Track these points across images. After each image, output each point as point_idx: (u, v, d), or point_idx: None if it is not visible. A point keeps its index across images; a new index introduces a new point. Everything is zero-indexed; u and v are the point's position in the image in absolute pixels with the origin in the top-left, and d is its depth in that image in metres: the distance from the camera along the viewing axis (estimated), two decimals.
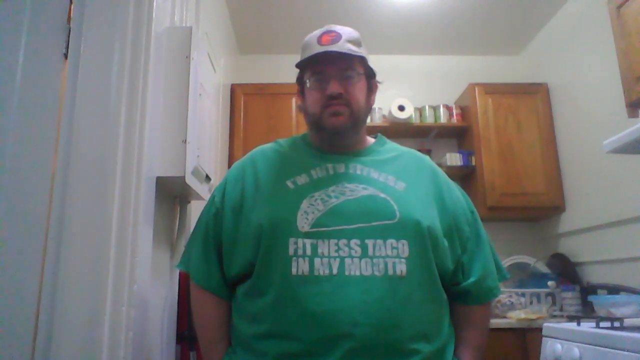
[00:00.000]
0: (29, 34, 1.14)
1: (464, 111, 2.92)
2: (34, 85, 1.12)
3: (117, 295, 1.02)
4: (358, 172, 1.01)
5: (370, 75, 1.07)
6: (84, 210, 1.03)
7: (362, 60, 1.03)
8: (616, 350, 1.29)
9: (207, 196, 1.49)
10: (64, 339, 0.97)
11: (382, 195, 0.96)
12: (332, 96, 0.98)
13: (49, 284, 1.00)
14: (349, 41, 1.00)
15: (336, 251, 0.89)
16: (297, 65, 1.05)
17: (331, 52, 0.97)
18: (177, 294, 1.46)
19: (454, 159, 2.77)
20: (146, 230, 1.14)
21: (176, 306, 1.45)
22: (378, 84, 1.11)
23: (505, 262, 2.66)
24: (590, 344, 1.41)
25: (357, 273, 0.88)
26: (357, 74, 1.02)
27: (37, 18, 1.15)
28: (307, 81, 1.03)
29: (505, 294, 2.36)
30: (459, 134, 3.02)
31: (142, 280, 1.11)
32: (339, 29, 1.03)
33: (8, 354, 0.98)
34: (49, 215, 1.04)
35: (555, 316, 2.28)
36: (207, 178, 1.53)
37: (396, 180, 1.00)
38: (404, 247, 0.91)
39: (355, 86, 1.01)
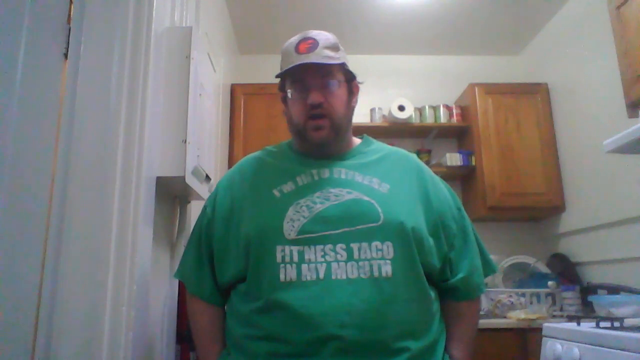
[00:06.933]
0: (29, 34, 1.14)
1: (464, 111, 2.92)
2: (34, 85, 1.12)
3: (117, 295, 1.02)
4: (342, 176, 1.03)
5: (350, 77, 1.08)
6: (84, 210, 1.03)
7: (341, 65, 1.04)
8: (616, 350, 1.29)
9: (207, 196, 1.49)
10: (64, 339, 0.97)
11: (366, 198, 0.98)
12: (313, 106, 1.00)
13: (49, 284, 1.00)
14: (326, 47, 1.01)
15: (322, 256, 0.91)
16: (277, 76, 1.07)
17: (308, 63, 0.98)
18: (177, 293, 1.46)
19: (454, 159, 2.77)
20: (146, 230, 1.14)
21: (176, 306, 1.45)
22: (360, 85, 1.12)
23: (505, 262, 2.66)
24: (590, 344, 1.41)
25: (344, 277, 0.90)
26: (336, 81, 1.02)
27: (37, 18, 1.15)
28: (289, 91, 1.04)
29: (505, 294, 2.36)
30: (459, 134, 3.02)
31: (142, 280, 1.11)
32: (315, 34, 1.03)
33: (8, 354, 0.98)
34: (49, 215, 1.04)
35: (555, 316, 2.28)
36: (207, 178, 1.53)
37: (380, 182, 1.02)
38: (388, 248, 0.93)
39: (335, 94, 1.02)
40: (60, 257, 1.01)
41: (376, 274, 0.90)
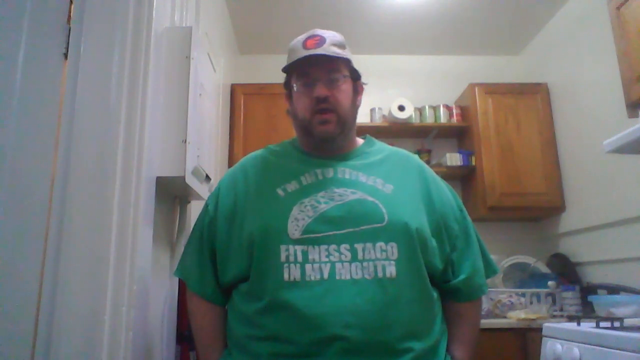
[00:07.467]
0: (29, 34, 1.14)
1: (464, 111, 2.92)
2: (34, 85, 1.12)
3: (117, 295, 1.02)
4: (347, 176, 1.03)
5: (355, 77, 1.08)
6: (84, 210, 1.03)
7: (347, 62, 1.05)
8: (616, 350, 1.29)
9: (207, 196, 1.49)
10: (64, 339, 0.97)
11: (371, 198, 0.98)
12: (319, 99, 1.00)
13: (49, 284, 1.00)
14: (333, 44, 1.02)
15: (327, 256, 0.91)
16: (284, 70, 1.07)
17: (315, 54, 0.99)
18: (177, 293, 1.46)
19: (454, 159, 2.77)
20: (146, 230, 1.14)
21: (176, 306, 1.45)
22: (364, 86, 1.12)
23: (505, 262, 2.66)
24: (590, 344, 1.41)
25: (348, 277, 0.90)
26: (342, 76, 1.03)
27: (37, 18, 1.15)
28: (294, 85, 1.05)
29: (505, 294, 2.36)
30: (459, 134, 3.02)
31: (142, 280, 1.11)
32: (322, 32, 1.05)
33: (8, 354, 0.98)
34: (49, 215, 1.04)
35: (555, 316, 2.28)
36: (207, 178, 1.53)
37: (384, 182, 1.02)
38: (393, 249, 0.93)
39: (341, 88, 1.03)
40: (60, 257, 1.01)
41: (380, 274, 0.90)
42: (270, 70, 3.10)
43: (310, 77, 1.02)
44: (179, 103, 1.30)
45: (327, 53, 0.99)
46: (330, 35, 1.04)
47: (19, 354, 0.97)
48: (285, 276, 0.90)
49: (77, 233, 1.02)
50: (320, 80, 1.01)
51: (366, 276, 0.90)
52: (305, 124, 1.04)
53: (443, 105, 2.94)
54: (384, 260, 0.91)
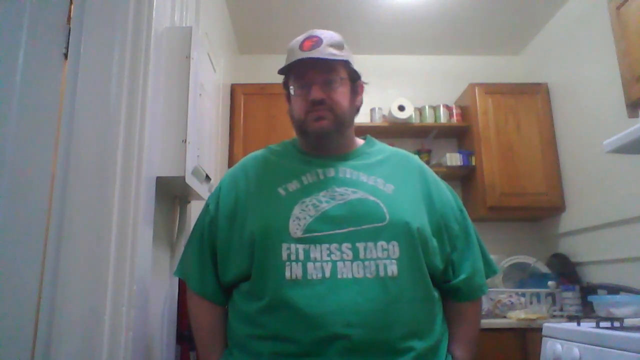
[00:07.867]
0: (29, 34, 1.14)
1: (464, 111, 2.92)
2: (34, 85, 1.12)
3: (117, 295, 1.02)
4: (348, 175, 1.03)
5: (354, 77, 1.08)
6: (84, 210, 1.03)
7: (345, 63, 1.04)
8: (616, 350, 1.29)
9: (207, 196, 1.49)
10: (64, 339, 0.97)
11: (372, 198, 0.98)
12: (314, 102, 1.00)
13: (49, 284, 1.00)
14: (331, 45, 1.02)
15: (328, 255, 0.91)
16: (280, 72, 1.06)
17: (310, 58, 0.98)
18: (177, 293, 1.46)
19: (454, 159, 2.77)
20: (146, 230, 1.14)
21: (176, 306, 1.45)
22: (364, 85, 1.12)
23: (505, 262, 2.66)
24: (590, 344, 1.41)
25: (350, 276, 0.90)
26: (339, 78, 1.03)
27: (37, 18, 1.15)
28: (291, 87, 1.05)
29: (505, 294, 2.36)
30: (459, 134, 3.02)
31: (142, 280, 1.11)
32: (320, 33, 1.04)
33: (8, 354, 0.98)
34: (49, 215, 1.04)
35: (555, 316, 2.28)
36: (207, 178, 1.53)
37: (385, 182, 1.02)
38: (394, 248, 0.93)
39: (338, 91, 1.02)
40: (60, 257, 1.01)
41: (382, 273, 0.90)
42: (270, 70, 3.07)
43: (306, 79, 1.02)
44: (179, 103, 1.30)
45: (321, 56, 0.99)
46: (328, 35, 1.03)
47: (19, 354, 0.97)
48: (287, 275, 0.90)
49: (77, 233, 1.02)
50: (315, 83, 1.01)
51: (368, 275, 0.90)
52: (300, 124, 1.04)
53: (443, 105, 2.94)
54: (385, 259, 0.92)
